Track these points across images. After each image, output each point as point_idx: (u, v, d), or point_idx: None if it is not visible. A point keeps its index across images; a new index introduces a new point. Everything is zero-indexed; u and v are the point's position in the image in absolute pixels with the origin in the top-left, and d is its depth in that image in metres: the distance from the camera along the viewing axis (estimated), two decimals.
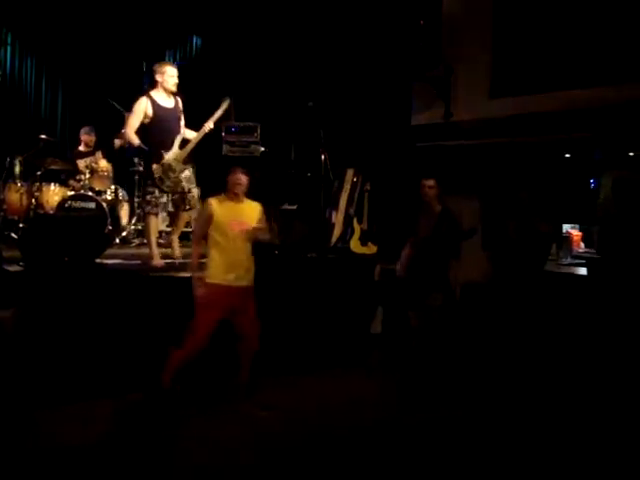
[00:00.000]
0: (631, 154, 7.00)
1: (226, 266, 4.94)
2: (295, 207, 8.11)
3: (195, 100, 9.47)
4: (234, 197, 5.04)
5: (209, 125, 6.55)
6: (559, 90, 6.64)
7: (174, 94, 6.58)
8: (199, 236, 5.12)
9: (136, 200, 8.48)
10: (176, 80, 6.50)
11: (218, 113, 6.65)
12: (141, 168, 7.98)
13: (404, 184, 7.84)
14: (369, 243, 7.47)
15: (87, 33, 9.87)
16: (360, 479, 4.10)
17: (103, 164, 8.44)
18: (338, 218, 8.06)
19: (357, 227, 7.50)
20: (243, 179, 5.03)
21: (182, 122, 6.68)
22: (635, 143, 6.64)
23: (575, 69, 6.60)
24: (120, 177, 8.76)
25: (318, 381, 5.90)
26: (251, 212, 5.14)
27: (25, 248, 5.72)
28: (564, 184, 7.10)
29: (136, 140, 6.37)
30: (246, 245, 5.05)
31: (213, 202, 5.02)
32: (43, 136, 8.24)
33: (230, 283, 4.93)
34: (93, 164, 8.36)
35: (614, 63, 6.25)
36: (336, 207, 8.15)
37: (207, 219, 5.00)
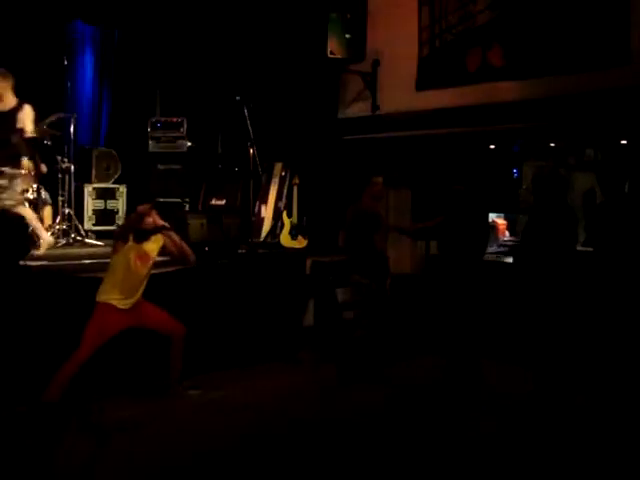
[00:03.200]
0: (552, 145, 7.21)
1: (121, 290, 4.89)
2: (223, 202, 8.05)
3: (121, 95, 9.35)
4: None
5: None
6: (483, 82, 6.77)
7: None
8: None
9: (60, 199, 8.26)
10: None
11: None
12: (65, 165, 7.78)
13: (332, 177, 7.88)
14: (299, 237, 7.47)
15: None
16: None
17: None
18: (267, 212, 8.04)
19: (287, 221, 7.49)
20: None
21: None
22: (556, 134, 6.84)
23: (498, 62, 6.73)
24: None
25: (251, 375, 5.89)
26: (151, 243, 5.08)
27: None
28: (489, 174, 7.25)
29: None
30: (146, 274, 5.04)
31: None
32: None
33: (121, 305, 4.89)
34: None
35: (537, 56, 6.40)
36: (265, 201, 8.12)
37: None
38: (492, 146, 7.38)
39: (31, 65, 8.25)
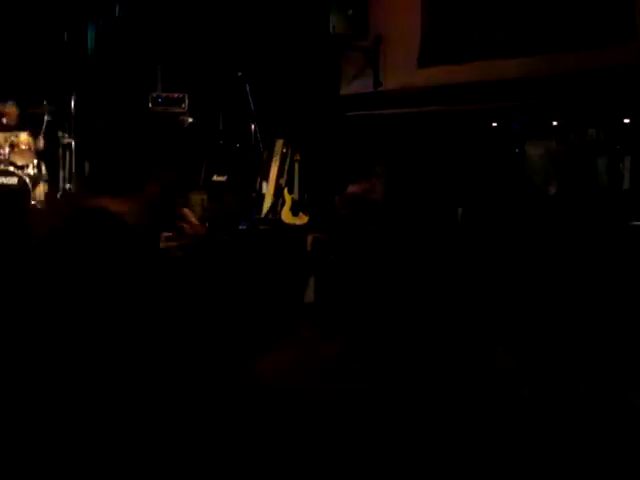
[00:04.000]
0: (554, 123, 7.19)
1: None
2: (225, 178, 8.05)
3: (121, 70, 9.32)
4: None
5: None
6: (485, 59, 6.75)
7: None
8: None
9: (61, 174, 8.26)
10: None
11: None
12: (66, 141, 7.79)
13: (334, 154, 7.87)
14: (300, 213, 7.47)
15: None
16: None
17: (24, 138, 8.17)
18: (269, 189, 8.03)
19: (288, 198, 7.48)
20: None
21: None
22: (558, 113, 6.81)
23: (500, 39, 6.70)
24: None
25: (251, 351, 5.91)
26: None
27: None
28: (491, 152, 7.24)
29: None
30: None
31: None
32: None
33: None
34: (13, 138, 8.09)
35: (540, 33, 6.37)
36: (266, 178, 8.11)
37: None
38: (494, 124, 7.35)
39: (30, 39, 8.23)
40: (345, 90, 7.93)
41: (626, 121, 6.40)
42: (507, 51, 6.62)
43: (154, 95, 8.52)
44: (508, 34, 6.63)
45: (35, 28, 8.64)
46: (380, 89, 7.53)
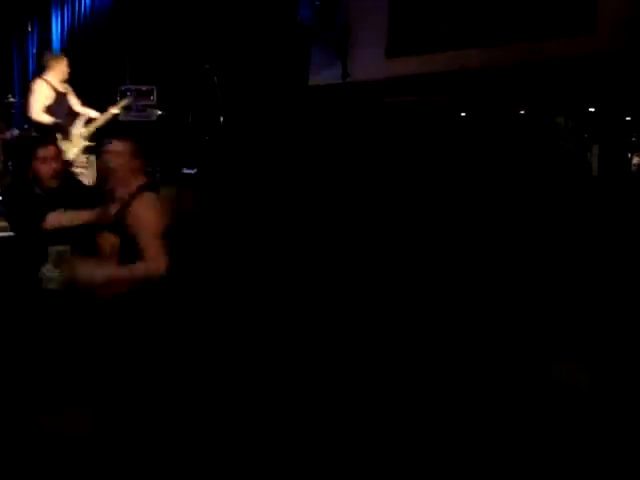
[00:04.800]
0: (521, 112, 7.24)
1: None
2: (194, 171, 8.03)
3: (89, 63, 9.26)
4: None
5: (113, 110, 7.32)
6: (452, 50, 6.79)
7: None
8: None
9: None
10: None
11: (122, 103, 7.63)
12: (33, 133, 7.73)
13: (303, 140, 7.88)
14: None
15: None
16: None
17: None
18: None
19: None
20: None
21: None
22: (524, 101, 6.87)
23: (466, 29, 6.74)
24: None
25: None
26: None
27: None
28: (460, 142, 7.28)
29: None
30: None
31: None
32: None
33: None
34: None
35: (504, 23, 6.42)
36: None
37: None
38: (463, 113, 7.40)
39: None
40: (313, 81, 7.94)
41: (591, 110, 6.48)
42: (472, 41, 6.67)
43: (123, 88, 8.48)
44: (474, 24, 6.67)
45: None
46: (348, 79, 7.55)
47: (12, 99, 8.25)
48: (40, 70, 7.25)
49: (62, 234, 3.95)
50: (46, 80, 6.99)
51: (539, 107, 7.01)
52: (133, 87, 8.51)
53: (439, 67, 6.81)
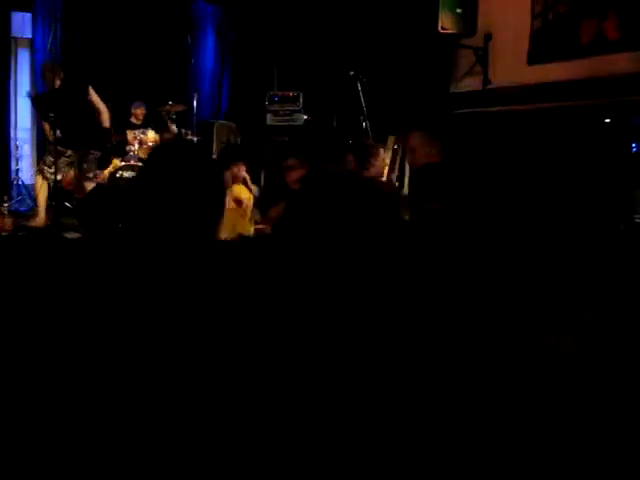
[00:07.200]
0: None
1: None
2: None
3: (241, 71, 9.75)
4: None
5: None
6: (597, 55, 6.67)
7: None
8: None
9: None
10: None
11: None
12: (188, 137, 8.29)
13: (443, 150, 7.94)
14: None
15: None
16: None
17: (151, 136, 8.75)
18: None
19: None
20: None
21: None
22: None
23: (613, 33, 6.61)
24: None
25: None
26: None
27: (82, 217, 6.03)
28: (605, 149, 7.13)
29: None
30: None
31: None
32: None
33: None
34: (142, 135, 8.67)
35: None
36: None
37: None
38: (607, 120, 7.25)
39: (157, 44, 8.75)
40: (455, 87, 8.01)
41: None
42: (620, 45, 6.53)
43: (271, 93, 8.89)
44: (622, 28, 6.53)
45: (159, 35, 9.19)
46: (489, 86, 7.57)
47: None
48: None
49: None
50: None
51: None
52: (280, 93, 8.91)
53: (583, 73, 6.71)
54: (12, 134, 9.34)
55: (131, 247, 1.94)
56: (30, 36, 9.29)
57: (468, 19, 7.32)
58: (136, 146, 8.56)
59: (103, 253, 1.87)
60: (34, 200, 8.08)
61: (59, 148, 7.27)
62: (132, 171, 8.13)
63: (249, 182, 6.06)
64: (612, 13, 6.60)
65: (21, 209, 8.75)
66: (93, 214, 5.97)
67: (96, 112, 7.47)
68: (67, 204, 8.05)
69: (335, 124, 9.14)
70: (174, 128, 8.78)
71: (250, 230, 5.63)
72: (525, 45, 7.29)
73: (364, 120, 7.66)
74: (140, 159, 8.44)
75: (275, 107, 8.81)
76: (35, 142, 9.64)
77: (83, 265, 1.86)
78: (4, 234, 6.89)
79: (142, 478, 1.56)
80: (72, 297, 1.74)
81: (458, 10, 7.23)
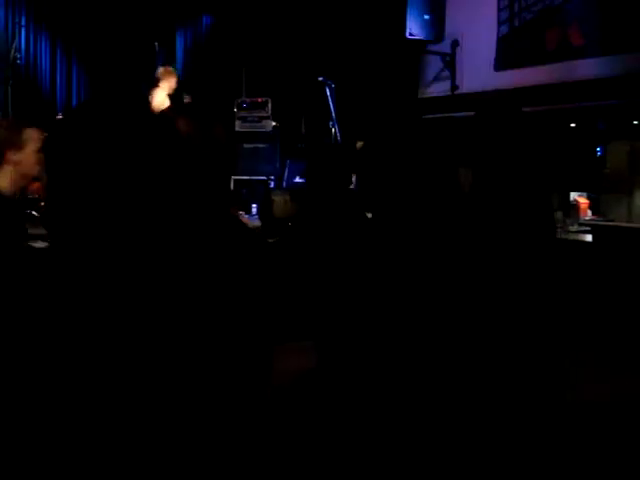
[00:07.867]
0: (635, 122, 7.10)
1: None
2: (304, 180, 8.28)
3: (207, 76, 9.71)
4: None
5: None
6: (562, 61, 6.77)
7: None
8: None
9: None
10: None
11: None
12: None
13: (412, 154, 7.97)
14: None
15: (99, 12, 10.02)
16: None
17: None
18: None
19: None
20: None
21: None
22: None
23: (577, 40, 6.70)
24: None
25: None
26: None
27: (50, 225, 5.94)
28: (571, 153, 7.21)
29: None
30: None
31: None
32: (60, 116, 8.45)
33: None
34: None
35: (616, 33, 6.35)
36: None
37: None
38: (573, 124, 7.34)
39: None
40: (422, 93, 8.07)
41: None
42: (584, 52, 6.63)
43: (239, 100, 8.85)
44: (585, 35, 6.63)
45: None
46: (457, 92, 7.64)
47: None
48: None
49: None
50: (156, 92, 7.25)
51: None
52: (249, 99, 8.87)
53: (548, 78, 6.80)
54: None
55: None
56: None
57: (436, 25, 7.37)
58: None
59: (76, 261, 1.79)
60: None
61: None
62: None
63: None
64: (576, 20, 6.70)
65: None
66: (61, 221, 5.90)
67: None
68: (34, 213, 7.92)
69: (304, 130, 9.14)
70: None
71: None
72: (492, 51, 7.38)
73: (333, 125, 7.66)
74: None
75: (244, 113, 8.77)
76: None
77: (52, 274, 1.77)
78: None
79: None
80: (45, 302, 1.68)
81: (426, 16, 7.27)
